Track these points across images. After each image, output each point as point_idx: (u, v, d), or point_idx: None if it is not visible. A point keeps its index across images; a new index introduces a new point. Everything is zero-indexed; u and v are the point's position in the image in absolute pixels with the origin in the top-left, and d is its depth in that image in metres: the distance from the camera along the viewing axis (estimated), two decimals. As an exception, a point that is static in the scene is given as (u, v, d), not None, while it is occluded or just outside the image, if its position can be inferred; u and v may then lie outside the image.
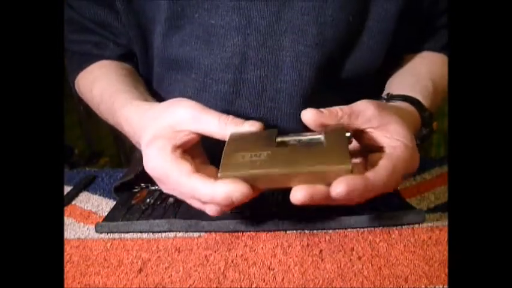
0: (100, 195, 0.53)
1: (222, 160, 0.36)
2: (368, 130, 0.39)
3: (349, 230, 0.42)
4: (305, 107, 0.38)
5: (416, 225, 0.42)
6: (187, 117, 0.39)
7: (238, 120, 0.39)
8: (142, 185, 0.51)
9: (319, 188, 0.33)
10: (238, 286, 0.36)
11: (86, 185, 0.56)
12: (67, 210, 0.50)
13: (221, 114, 0.39)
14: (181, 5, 0.50)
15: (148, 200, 0.48)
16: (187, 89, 0.53)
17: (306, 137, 0.38)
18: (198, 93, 0.52)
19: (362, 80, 0.53)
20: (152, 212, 0.46)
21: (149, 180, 0.50)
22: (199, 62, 0.52)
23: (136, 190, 0.50)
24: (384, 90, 0.53)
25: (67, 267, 0.40)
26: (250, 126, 0.39)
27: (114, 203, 0.49)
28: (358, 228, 0.42)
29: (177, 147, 0.39)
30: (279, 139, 0.38)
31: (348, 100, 0.40)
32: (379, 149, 0.38)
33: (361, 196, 0.33)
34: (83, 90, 0.58)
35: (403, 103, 0.47)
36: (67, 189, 0.55)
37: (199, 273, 0.38)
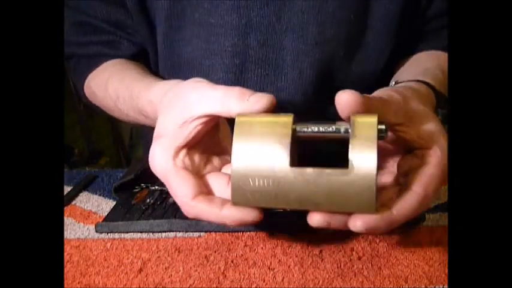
0: (100, 195, 0.53)
1: (231, 183, 0.32)
2: (396, 128, 0.33)
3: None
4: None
5: (417, 225, 0.42)
6: (193, 102, 0.34)
7: (243, 94, 0.33)
8: (142, 185, 0.51)
9: (338, 218, 0.31)
10: (238, 286, 0.36)
11: (86, 185, 0.56)
12: (67, 210, 0.50)
13: (226, 89, 0.33)
14: (181, 5, 0.50)
15: (148, 200, 0.48)
16: None
17: (327, 127, 0.32)
18: None
19: (366, 79, 0.53)
20: (152, 212, 0.46)
21: (149, 180, 0.50)
22: (201, 63, 0.52)
23: (136, 190, 0.50)
24: None
25: (67, 267, 0.39)
26: (255, 104, 0.32)
27: (114, 203, 0.49)
28: (358, 228, 0.42)
29: (180, 148, 0.35)
30: (295, 127, 0.32)
31: None
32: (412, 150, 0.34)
33: (381, 232, 0.32)
34: (96, 91, 0.56)
35: (417, 83, 0.42)
36: (67, 189, 0.55)
37: (199, 273, 0.38)
